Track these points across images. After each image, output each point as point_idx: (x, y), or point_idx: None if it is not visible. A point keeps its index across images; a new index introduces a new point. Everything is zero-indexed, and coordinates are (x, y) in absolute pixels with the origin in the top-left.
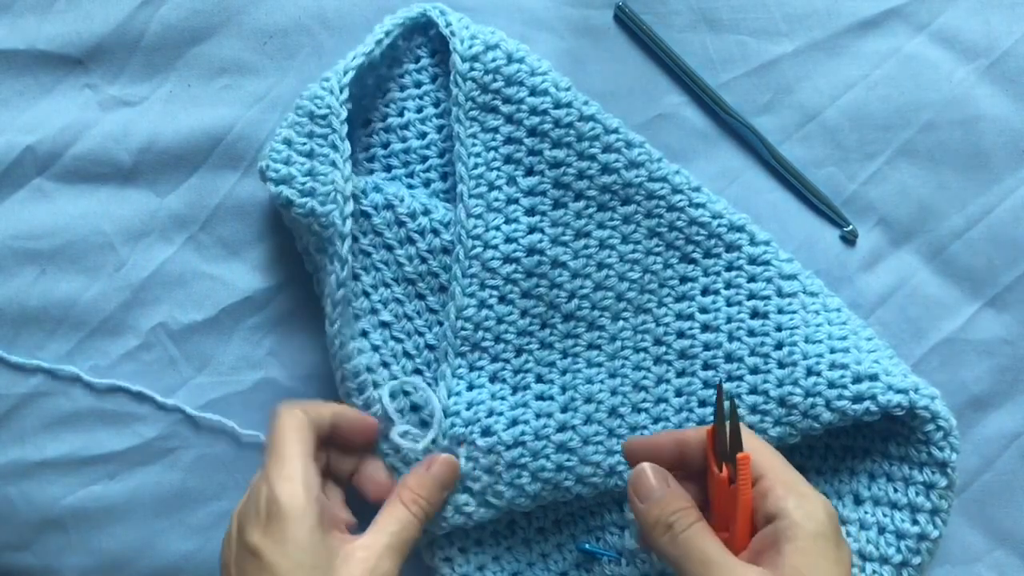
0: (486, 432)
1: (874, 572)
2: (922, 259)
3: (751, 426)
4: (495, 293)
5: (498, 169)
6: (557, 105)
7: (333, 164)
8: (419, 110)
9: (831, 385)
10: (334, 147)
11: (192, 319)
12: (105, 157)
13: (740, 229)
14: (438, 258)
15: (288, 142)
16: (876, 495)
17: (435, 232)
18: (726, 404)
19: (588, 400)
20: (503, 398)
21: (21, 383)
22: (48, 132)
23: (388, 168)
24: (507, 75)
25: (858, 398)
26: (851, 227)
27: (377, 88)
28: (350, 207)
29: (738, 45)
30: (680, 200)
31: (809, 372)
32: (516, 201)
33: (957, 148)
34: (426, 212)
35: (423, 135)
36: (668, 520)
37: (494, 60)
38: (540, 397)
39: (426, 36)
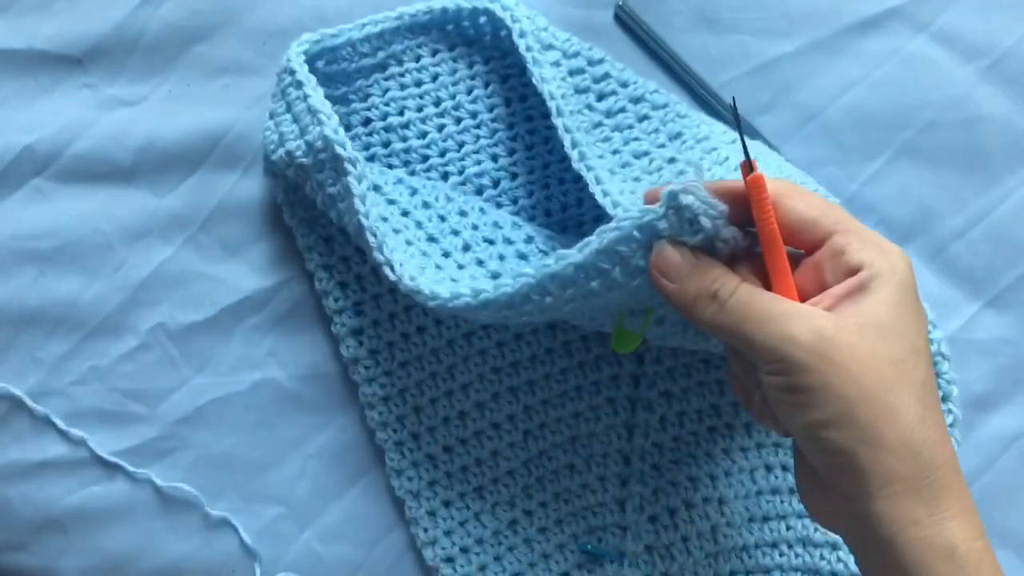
0: None
1: None
2: (923, 259)
3: None
4: None
5: (569, 100)
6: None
7: (306, 97)
8: (419, 109)
9: None
10: (299, 85)
11: (191, 319)
12: (104, 157)
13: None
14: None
15: (272, 115)
16: None
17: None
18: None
19: None
20: None
21: (19, 383)
22: (47, 132)
23: (388, 168)
24: (548, 23)
25: None
26: None
27: (373, 86)
28: (335, 121)
29: (738, 45)
30: None
31: None
32: (600, 124)
33: (958, 148)
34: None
35: (424, 134)
36: (710, 289)
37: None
38: None
39: (427, 35)
